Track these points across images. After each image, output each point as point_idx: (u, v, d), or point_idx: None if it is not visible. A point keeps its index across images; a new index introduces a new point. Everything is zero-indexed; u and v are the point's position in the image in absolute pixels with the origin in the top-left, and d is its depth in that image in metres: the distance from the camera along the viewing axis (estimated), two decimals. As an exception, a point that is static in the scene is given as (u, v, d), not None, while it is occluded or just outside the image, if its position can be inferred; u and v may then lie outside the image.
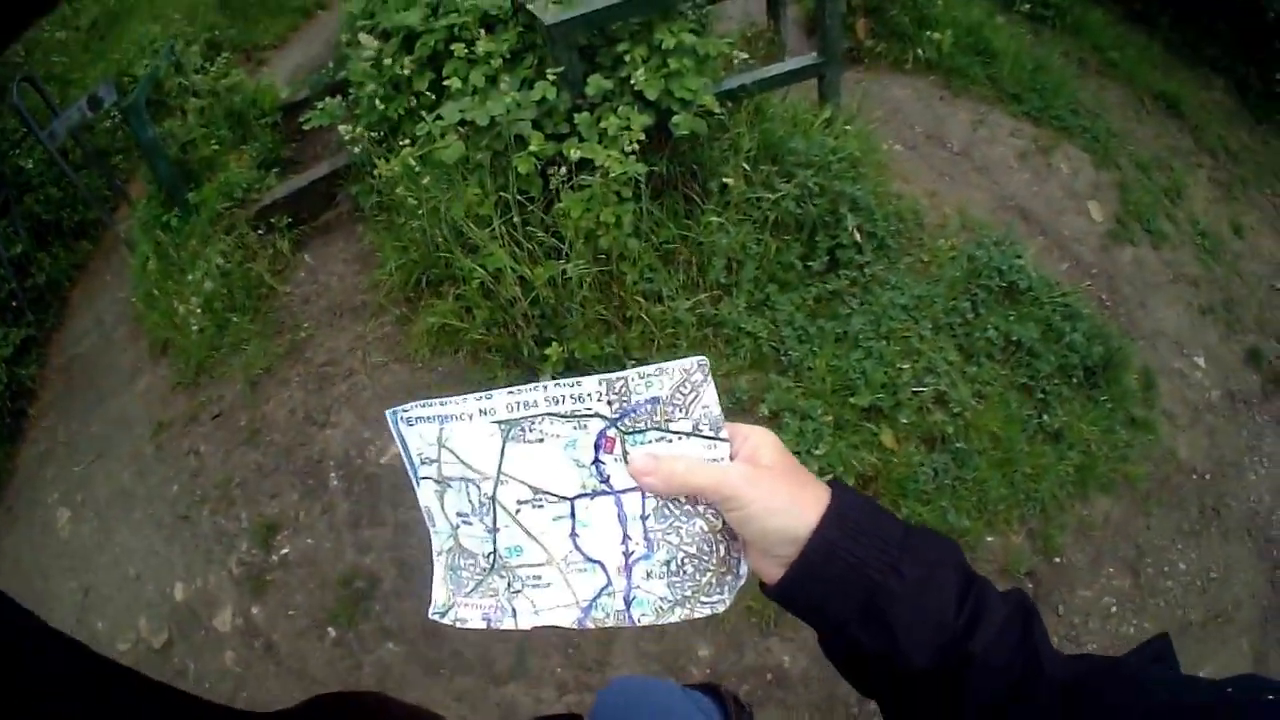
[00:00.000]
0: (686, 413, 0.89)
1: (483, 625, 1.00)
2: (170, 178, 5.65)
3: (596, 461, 0.92)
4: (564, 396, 0.91)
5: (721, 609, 0.94)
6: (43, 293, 6.34)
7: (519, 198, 4.23)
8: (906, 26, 6.82)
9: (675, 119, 4.20)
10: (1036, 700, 0.78)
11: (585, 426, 0.91)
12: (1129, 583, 4.40)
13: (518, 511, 0.95)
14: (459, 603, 1.01)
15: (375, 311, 4.88)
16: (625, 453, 0.91)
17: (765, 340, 4.43)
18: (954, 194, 5.73)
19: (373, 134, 4.85)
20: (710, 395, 0.89)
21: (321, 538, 4.24)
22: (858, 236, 4.69)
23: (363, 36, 4.92)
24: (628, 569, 0.94)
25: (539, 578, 0.96)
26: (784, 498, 0.84)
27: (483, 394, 0.93)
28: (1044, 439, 4.59)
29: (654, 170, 4.33)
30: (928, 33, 6.70)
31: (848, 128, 5.10)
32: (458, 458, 0.96)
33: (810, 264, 4.63)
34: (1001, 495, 4.27)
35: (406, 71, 4.63)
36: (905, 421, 4.26)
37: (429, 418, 0.97)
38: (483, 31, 4.48)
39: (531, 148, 4.14)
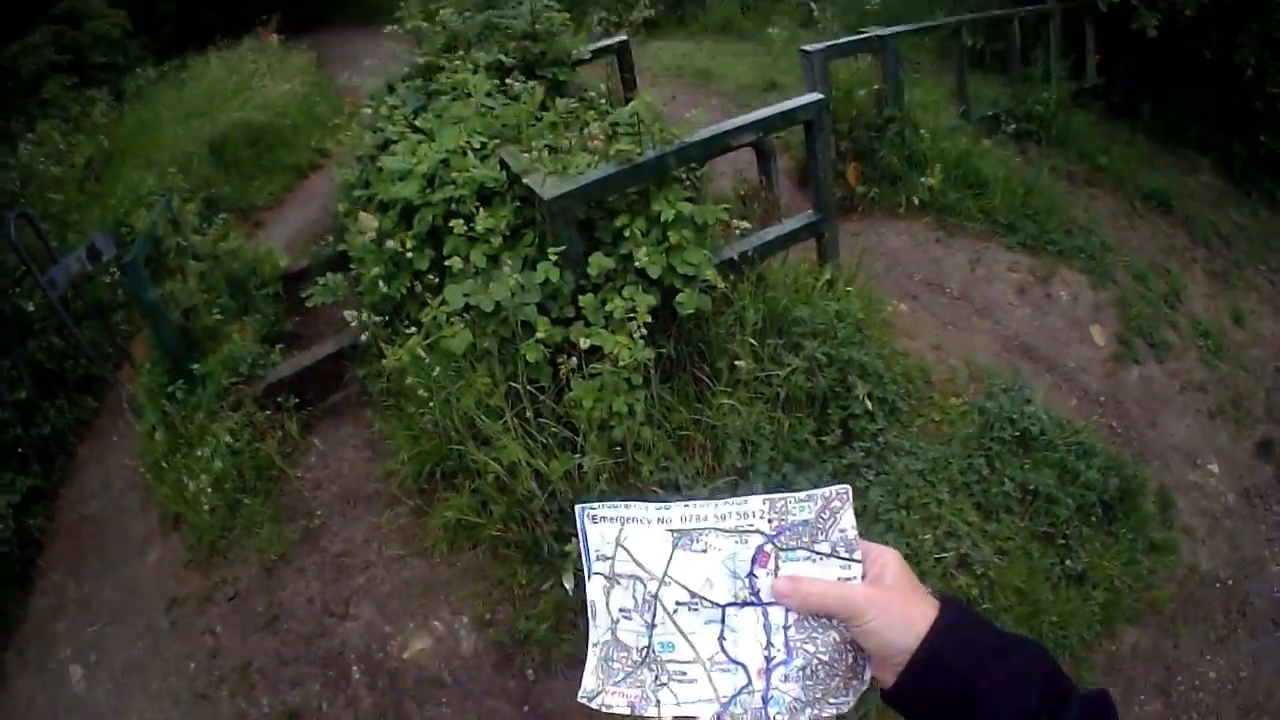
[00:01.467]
0: (827, 535, 1.03)
1: (627, 711, 1.09)
2: (174, 344, 5.66)
3: (751, 574, 1.05)
4: (730, 514, 1.05)
5: (845, 709, 1.04)
6: (48, 444, 6.31)
7: (529, 388, 4.19)
8: (897, 167, 6.92)
9: (680, 298, 4.19)
10: None
11: (745, 541, 1.05)
12: (1160, 704, 4.41)
13: (675, 611, 1.07)
14: (608, 689, 1.11)
15: (389, 502, 4.86)
16: (778, 567, 1.04)
17: (786, 524, 4.41)
18: (959, 343, 5.78)
19: (377, 318, 4.86)
20: (848, 520, 1.03)
21: (347, 730, 4.20)
22: (869, 404, 4.69)
23: (362, 216, 4.95)
24: (768, 672, 1.05)
25: (684, 674, 1.07)
26: (898, 615, 0.97)
27: (661, 504, 1.07)
28: (1068, 583, 4.60)
29: (662, 352, 4.32)
30: (919, 176, 6.80)
31: (849, 289, 5.15)
32: (631, 557, 1.09)
33: (824, 439, 4.61)
34: (1030, 647, 4.26)
35: (407, 250, 4.63)
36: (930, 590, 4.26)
37: (612, 518, 1.10)
38: (479, 206, 4.48)
39: (539, 335, 4.08)
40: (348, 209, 5.26)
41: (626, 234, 4.27)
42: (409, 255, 4.65)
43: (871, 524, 4.43)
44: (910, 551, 4.35)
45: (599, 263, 4.19)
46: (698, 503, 1.06)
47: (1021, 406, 5.14)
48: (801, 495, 1.02)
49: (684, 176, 4.66)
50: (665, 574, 1.07)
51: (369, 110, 5.77)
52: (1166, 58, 9.59)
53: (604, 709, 1.11)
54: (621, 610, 1.10)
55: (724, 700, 1.05)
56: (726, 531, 1.04)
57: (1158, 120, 9.79)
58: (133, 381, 6.26)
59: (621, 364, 4.01)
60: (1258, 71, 8.76)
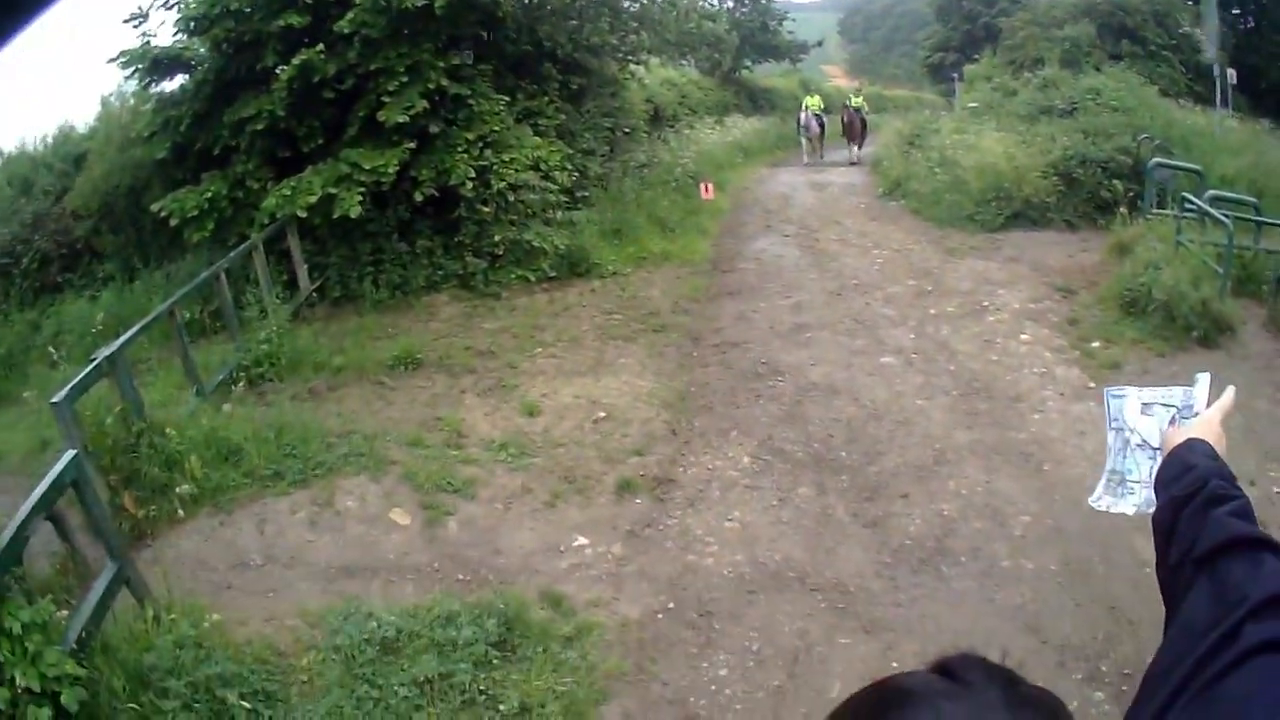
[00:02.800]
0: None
1: (1109, 509, 1.72)
2: None
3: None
4: (1164, 395, 1.71)
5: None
6: None
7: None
8: (161, 477, 6.89)
9: (64, 698, 4.33)
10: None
11: (1167, 410, 1.70)
12: None
13: (1136, 448, 1.71)
14: (1104, 499, 1.72)
15: None
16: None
17: None
18: (285, 603, 5.95)
19: None
20: (1203, 395, 1.66)
21: None
22: (246, 704, 4.88)
23: None
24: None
25: (1133, 489, 1.69)
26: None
27: (1136, 387, 1.76)
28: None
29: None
30: (180, 483, 6.84)
31: (172, 617, 5.27)
32: (1123, 419, 1.74)
33: None
34: None
35: None
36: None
37: (1116, 395, 1.76)
38: None
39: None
40: None
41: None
42: None
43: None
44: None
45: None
46: (1152, 389, 1.71)
47: (366, 623, 5.48)
48: (1190, 387, 1.67)
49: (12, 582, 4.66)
50: (1133, 429, 1.71)
51: None
52: (372, 226, 11.11)
53: (1107, 509, 1.72)
54: (1115, 448, 1.73)
55: (1143, 504, 1.64)
56: (1163, 405, 1.69)
57: (383, 289, 11.04)
58: None
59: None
60: (480, 179, 11.33)
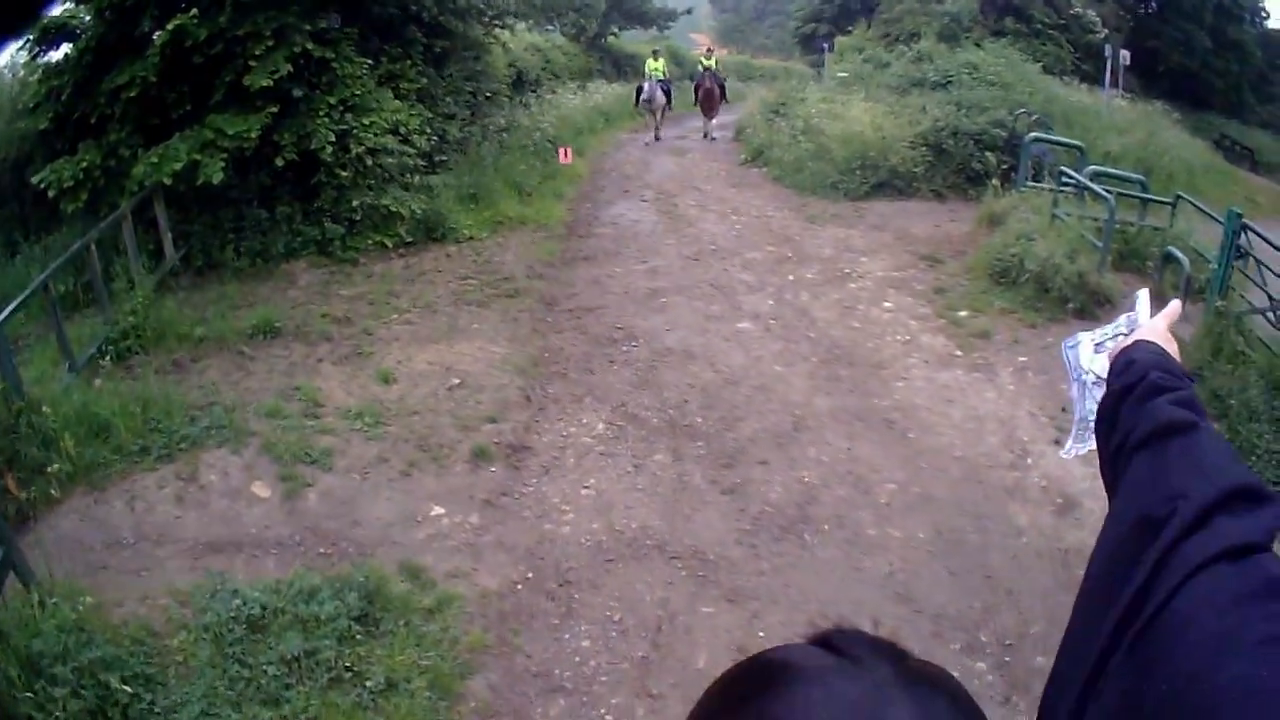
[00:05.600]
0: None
1: (1073, 455, 1.66)
2: None
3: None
4: (1110, 330, 1.64)
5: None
6: None
7: None
8: (38, 457, 6.94)
9: None
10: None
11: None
12: (563, 700, 5.08)
13: (1093, 385, 1.61)
14: (1075, 447, 1.63)
15: None
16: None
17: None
18: (156, 582, 5.97)
19: None
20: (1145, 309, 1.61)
21: None
22: (128, 688, 4.94)
23: None
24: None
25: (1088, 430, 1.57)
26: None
27: (1087, 330, 1.71)
28: (384, 697, 5.15)
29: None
30: (55, 462, 6.89)
31: (54, 600, 5.32)
32: (1079, 363, 1.65)
33: None
34: None
35: None
36: None
37: (1071, 345, 1.68)
38: None
39: None
40: None
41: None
42: None
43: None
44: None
45: None
46: (1101, 328, 1.67)
47: (231, 601, 5.50)
48: (1131, 315, 1.60)
49: None
50: (1089, 369, 1.62)
51: None
52: (234, 193, 11.34)
53: (1076, 455, 1.65)
54: (1077, 398, 1.64)
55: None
56: (1112, 339, 1.59)
57: (244, 256, 11.32)
58: None
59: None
60: (340, 143, 11.59)
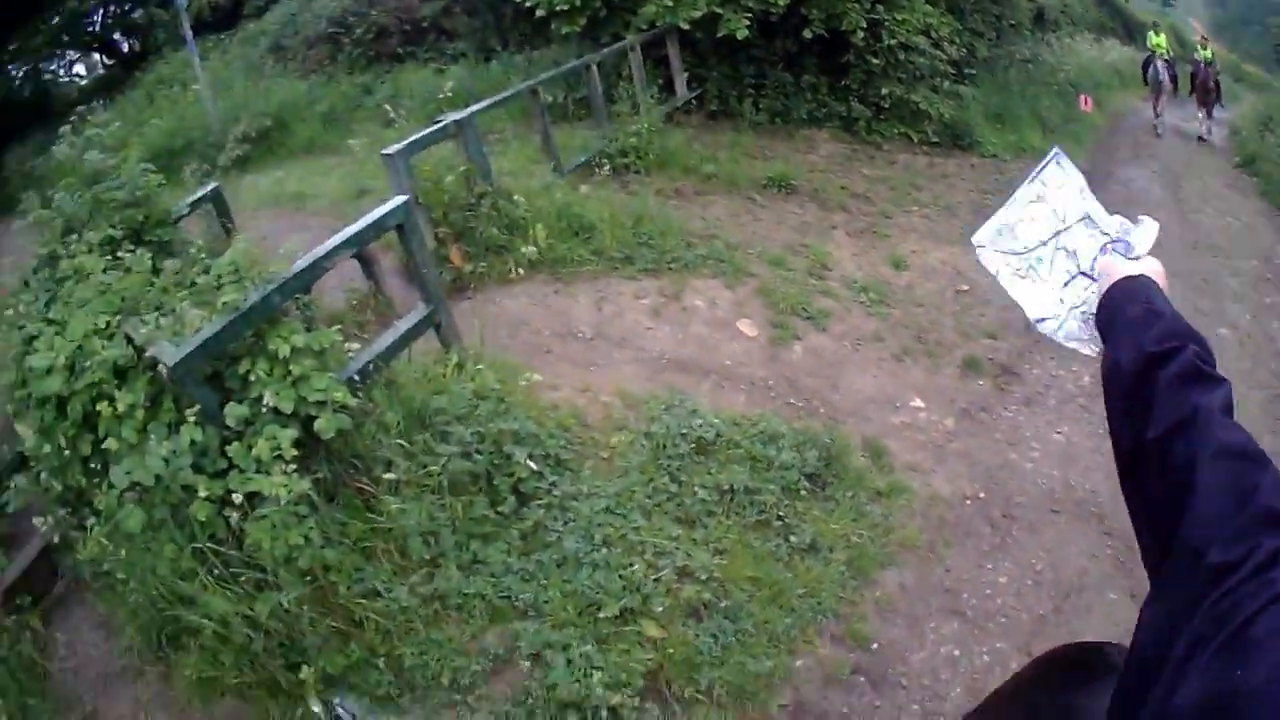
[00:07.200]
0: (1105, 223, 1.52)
1: (992, 271, 1.57)
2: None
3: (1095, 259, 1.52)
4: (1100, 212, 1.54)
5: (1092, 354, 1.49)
6: None
7: (210, 545, 4.11)
8: (499, 237, 7.11)
9: (318, 424, 4.21)
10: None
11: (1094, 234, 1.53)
12: (958, 623, 4.71)
13: (1058, 250, 1.53)
14: (990, 250, 1.57)
15: (136, 674, 4.63)
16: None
17: (493, 595, 4.41)
18: (606, 380, 6.01)
19: (63, 511, 4.76)
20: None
21: None
22: (532, 465, 4.82)
23: (19, 427, 4.82)
24: (1071, 309, 1.52)
25: (1036, 285, 1.53)
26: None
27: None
28: (801, 556, 4.83)
29: (319, 477, 4.31)
30: (520, 241, 7.04)
31: (479, 367, 5.30)
32: (1050, 189, 1.54)
33: (500, 509, 4.67)
34: (787, 624, 4.42)
35: (64, 445, 4.48)
36: (661, 609, 4.31)
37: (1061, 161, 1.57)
38: (119, 384, 4.36)
39: (201, 494, 4.03)
40: (14, 409, 5.00)
41: (252, 377, 4.25)
42: (66, 450, 4.49)
43: (576, 569, 4.49)
44: (626, 581, 4.42)
45: (234, 413, 4.14)
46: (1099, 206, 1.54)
47: (688, 419, 5.40)
48: (1125, 223, 1.50)
49: (293, 308, 4.70)
50: (1069, 226, 1.52)
51: (10, 310, 5.51)
52: (758, 51, 10.96)
53: (978, 261, 1.57)
54: (1030, 220, 1.53)
55: (1039, 316, 1.52)
56: (1102, 229, 1.51)
57: (763, 112, 11.00)
58: None
59: (284, 501, 4.01)
60: (871, 31, 10.64)
